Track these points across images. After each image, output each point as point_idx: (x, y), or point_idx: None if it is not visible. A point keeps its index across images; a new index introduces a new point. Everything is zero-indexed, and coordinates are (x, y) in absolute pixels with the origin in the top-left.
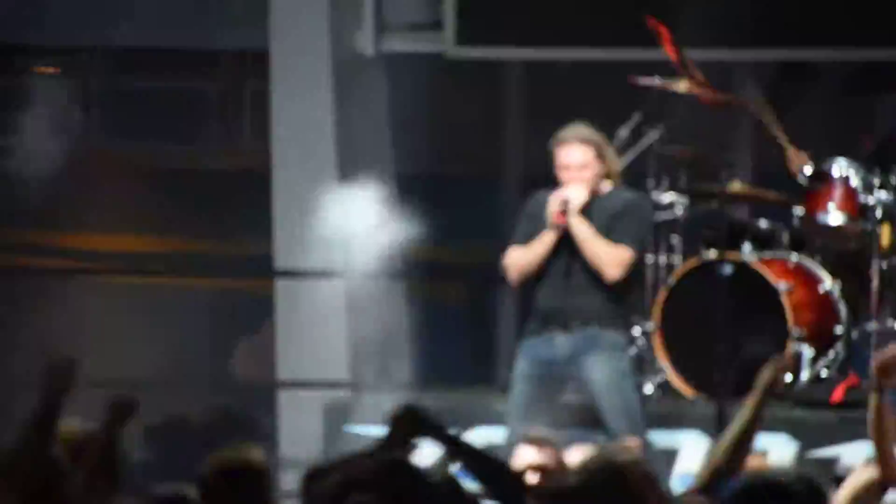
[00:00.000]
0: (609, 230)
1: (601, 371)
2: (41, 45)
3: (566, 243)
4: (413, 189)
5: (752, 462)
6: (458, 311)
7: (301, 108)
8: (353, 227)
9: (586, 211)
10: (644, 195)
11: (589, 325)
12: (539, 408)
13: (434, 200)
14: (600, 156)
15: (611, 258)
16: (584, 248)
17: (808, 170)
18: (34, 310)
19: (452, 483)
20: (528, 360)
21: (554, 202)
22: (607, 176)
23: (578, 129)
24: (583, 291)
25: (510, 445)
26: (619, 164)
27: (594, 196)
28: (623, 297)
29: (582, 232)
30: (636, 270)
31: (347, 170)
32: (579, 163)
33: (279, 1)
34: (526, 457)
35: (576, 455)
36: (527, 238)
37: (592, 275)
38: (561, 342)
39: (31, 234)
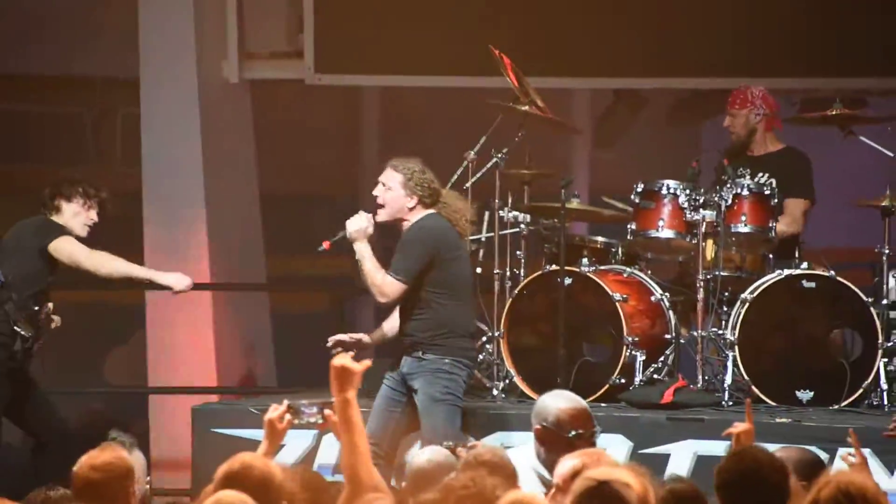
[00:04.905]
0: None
1: (419, 395)
2: None
3: None
4: (277, 206)
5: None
6: (317, 319)
7: (170, 132)
8: (220, 242)
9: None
10: (416, 225)
11: (415, 350)
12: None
13: (296, 216)
14: (406, 184)
15: (376, 288)
16: (361, 274)
17: (639, 188)
18: None
19: None
20: (393, 368)
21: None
22: (425, 205)
23: (398, 158)
24: (408, 317)
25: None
26: (432, 193)
27: (399, 222)
28: (443, 322)
29: (360, 258)
30: (436, 294)
31: (214, 188)
32: (383, 181)
33: (148, 31)
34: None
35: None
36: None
37: (414, 301)
38: (404, 362)
39: None
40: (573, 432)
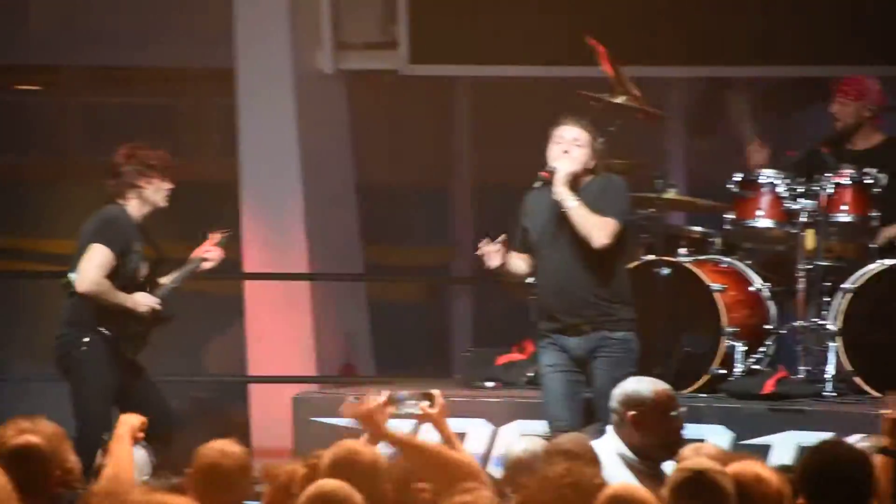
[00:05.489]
0: (592, 208)
1: (601, 377)
2: (25, 63)
3: (563, 246)
4: (372, 196)
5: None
6: (414, 310)
7: (266, 123)
8: (317, 232)
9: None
10: (614, 177)
11: (598, 327)
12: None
13: (391, 207)
14: (593, 145)
15: (598, 230)
16: (572, 216)
17: (737, 178)
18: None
19: None
20: (553, 354)
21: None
22: (592, 171)
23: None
24: (582, 284)
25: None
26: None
27: (577, 180)
28: (625, 290)
29: (571, 207)
30: (621, 257)
31: (311, 179)
32: (573, 137)
33: (243, 21)
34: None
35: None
36: (521, 237)
37: (596, 263)
38: (574, 343)
39: (12, 240)
40: (675, 412)
